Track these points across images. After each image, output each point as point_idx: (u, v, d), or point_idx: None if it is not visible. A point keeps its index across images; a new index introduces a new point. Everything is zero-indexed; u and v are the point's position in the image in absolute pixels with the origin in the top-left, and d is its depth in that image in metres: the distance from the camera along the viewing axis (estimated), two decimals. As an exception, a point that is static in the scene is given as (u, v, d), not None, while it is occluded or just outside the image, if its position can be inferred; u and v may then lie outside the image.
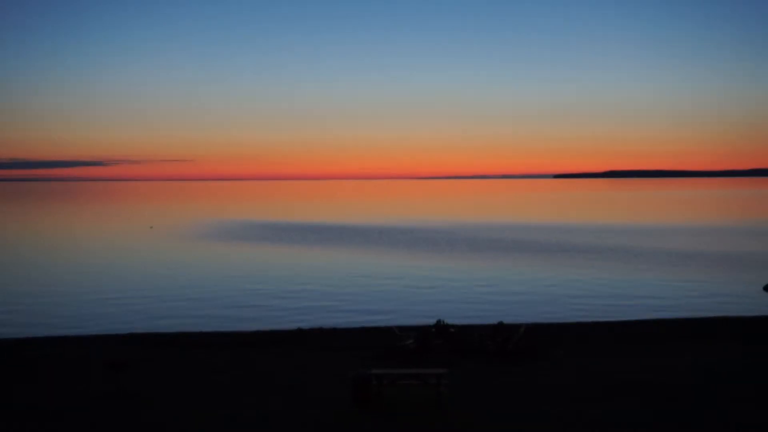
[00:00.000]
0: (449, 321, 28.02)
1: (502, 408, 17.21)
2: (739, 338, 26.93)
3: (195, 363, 23.31)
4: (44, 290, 42.97)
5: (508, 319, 30.20)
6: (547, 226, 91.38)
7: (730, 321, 31.46)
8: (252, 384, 20.17)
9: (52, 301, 39.40)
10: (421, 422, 16.08)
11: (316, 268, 52.18)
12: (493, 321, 29.29)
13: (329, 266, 53.45)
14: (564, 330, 29.44)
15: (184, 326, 32.32)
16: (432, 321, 28.47)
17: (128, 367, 19.79)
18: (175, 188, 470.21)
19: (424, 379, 17.94)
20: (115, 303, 38.57)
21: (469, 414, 16.69)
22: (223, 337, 29.07)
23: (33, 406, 17.85)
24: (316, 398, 18.30)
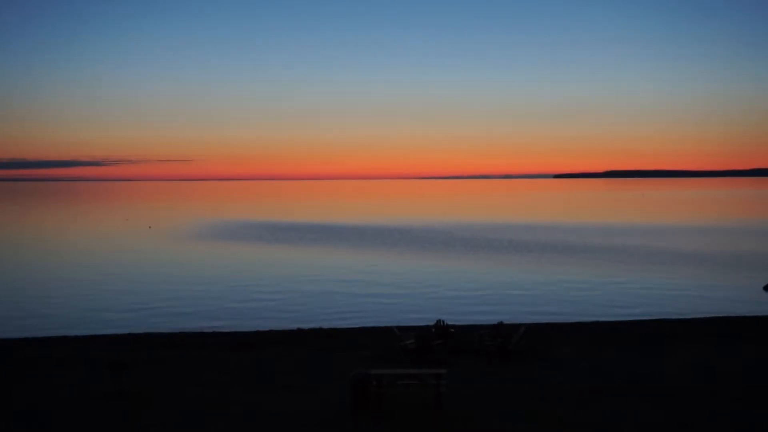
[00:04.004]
0: (449, 321, 28.00)
1: (502, 408, 17.20)
2: (740, 338, 26.93)
3: (195, 363, 23.31)
4: (44, 290, 42.98)
5: (508, 319, 30.21)
6: (547, 226, 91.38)
7: (730, 321, 31.46)
8: (252, 384, 20.17)
9: (53, 301, 39.40)
10: (421, 422, 16.08)
11: (316, 268, 52.17)
12: (493, 321, 29.29)
13: (328, 266, 53.44)
14: (564, 330, 29.45)
15: (183, 326, 32.33)
16: (432, 321, 28.46)
17: (128, 368, 19.78)
18: (175, 188, 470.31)
19: (423, 379, 17.92)
20: (115, 303, 38.57)
21: (468, 414, 16.69)
22: (223, 337, 29.08)
23: (33, 406, 17.84)
24: (315, 398, 18.30)
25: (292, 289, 43.01)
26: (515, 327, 26.41)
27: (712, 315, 33.31)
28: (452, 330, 25.99)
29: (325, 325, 31.88)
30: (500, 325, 26.02)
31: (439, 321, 26.45)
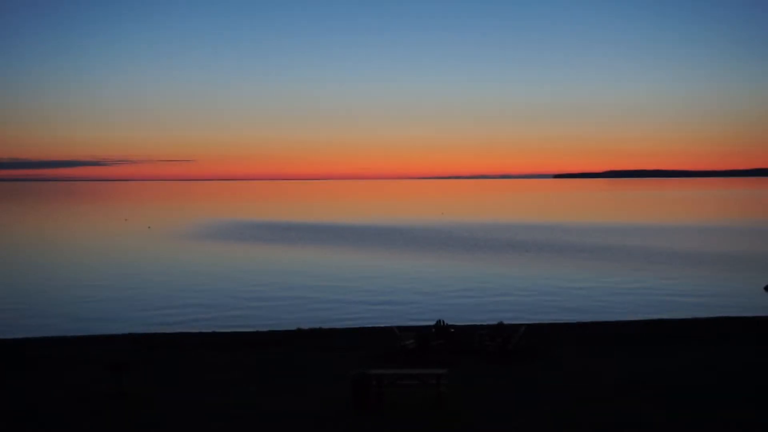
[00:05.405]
0: (449, 321, 28.01)
1: (502, 408, 17.20)
2: (740, 338, 26.92)
3: (195, 363, 23.30)
4: (44, 290, 42.97)
5: (508, 319, 30.20)
6: (547, 226, 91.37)
7: (730, 321, 31.45)
8: (252, 384, 20.16)
9: (52, 301, 39.39)
10: (421, 422, 16.07)
11: (316, 268, 52.15)
12: (493, 321, 29.29)
13: (329, 266, 53.43)
14: (564, 330, 29.44)
15: (183, 326, 32.33)
16: (432, 321, 28.46)
17: (128, 368, 19.79)
18: (175, 188, 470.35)
19: (423, 379, 17.92)
20: (115, 303, 38.57)
21: (469, 414, 16.68)
22: (223, 337, 29.07)
23: (33, 406, 17.84)
24: (316, 398, 18.29)
25: (292, 289, 42.99)
26: (515, 327, 26.40)
27: (713, 315, 33.29)
28: (452, 330, 25.99)
29: (325, 325, 31.86)
30: (500, 325, 26.02)
31: (439, 321, 26.46)
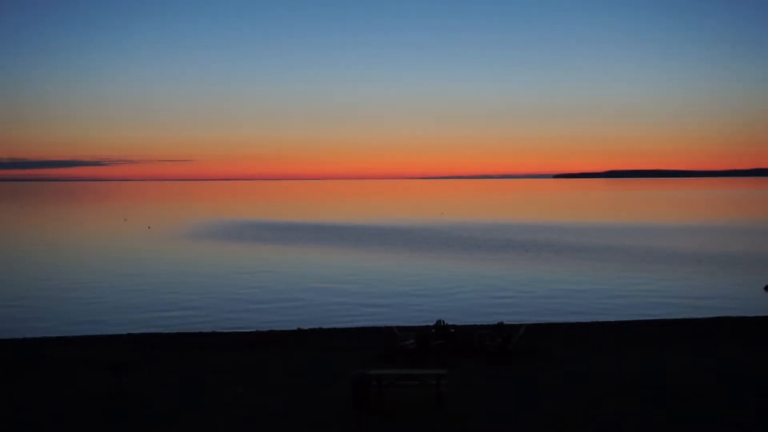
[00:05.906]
0: (449, 321, 28.00)
1: (502, 408, 17.19)
2: (740, 338, 26.92)
3: (194, 363, 23.30)
4: (44, 290, 42.96)
5: (508, 319, 30.20)
6: (546, 226, 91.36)
7: (730, 321, 31.46)
8: (251, 384, 20.15)
9: (52, 301, 39.38)
10: (421, 422, 16.07)
11: (316, 268, 52.15)
12: (493, 321, 29.29)
13: (329, 266, 53.42)
14: (564, 330, 29.43)
15: (183, 327, 32.32)
16: (432, 321, 28.45)
17: (128, 368, 19.78)
18: (175, 188, 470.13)
19: (423, 379, 17.92)
20: (115, 303, 38.56)
21: (469, 414, 16.68)
22: (223, 337, 29.07)
23: (33, 406, 17.84)
24: (316, 398, 18.29)
25: (292, 289, 42.99)
26: (515, 327, 26.41)
27: (713, 315, 33.29)
28: (452, 330, 26.00)
29: (325, 325, 31.86)
30: (500, 325, 26.02)
31: (439, 321, 26.46)
